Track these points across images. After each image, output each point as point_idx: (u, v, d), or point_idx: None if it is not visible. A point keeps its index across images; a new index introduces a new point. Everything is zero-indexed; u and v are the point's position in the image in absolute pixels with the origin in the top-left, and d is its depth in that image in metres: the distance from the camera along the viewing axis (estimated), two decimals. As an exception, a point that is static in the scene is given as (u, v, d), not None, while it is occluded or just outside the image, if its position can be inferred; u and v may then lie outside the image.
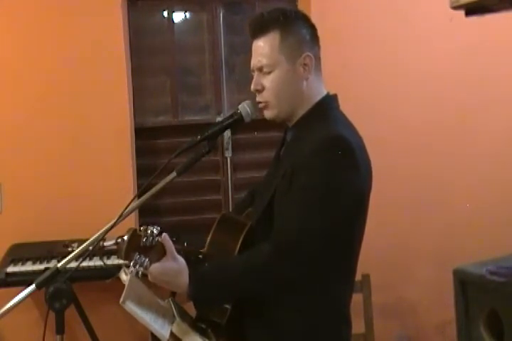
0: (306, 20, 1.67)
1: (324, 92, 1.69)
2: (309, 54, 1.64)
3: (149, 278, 1.52)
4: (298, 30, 1.64)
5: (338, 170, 1.55)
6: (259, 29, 1.64)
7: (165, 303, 1.67)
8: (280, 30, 1.62)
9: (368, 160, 1.65)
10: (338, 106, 1.71)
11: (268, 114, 1.68)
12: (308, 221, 1.53)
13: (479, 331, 2.38)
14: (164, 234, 1.50)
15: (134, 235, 1.48)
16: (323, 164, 1.54)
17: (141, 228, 1.48)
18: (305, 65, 1.64)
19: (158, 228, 1.49)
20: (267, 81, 1.64)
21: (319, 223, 1.53)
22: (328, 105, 1.68)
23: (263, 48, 1.63)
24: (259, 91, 1.66)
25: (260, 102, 1.67)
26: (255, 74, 1.66)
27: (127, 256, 1.47)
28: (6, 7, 2.81)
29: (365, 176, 1.63)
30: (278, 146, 1.78)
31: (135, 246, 1.47)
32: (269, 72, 1.63)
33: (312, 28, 1.68)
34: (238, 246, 1.62)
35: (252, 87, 1.67)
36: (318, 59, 1.67)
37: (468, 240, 3.12)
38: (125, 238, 1.48)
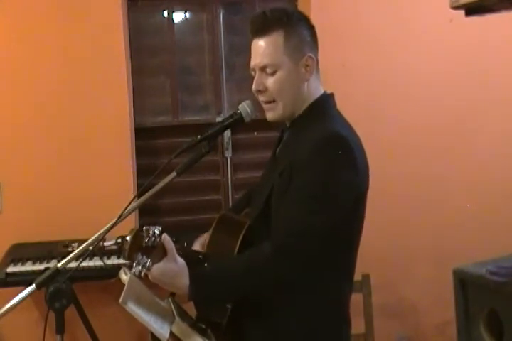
0: (307, 21, 1.68)
1: (321, 91, 1.70)
2: (311, 55, 1.64)
3: (150, 278, 1.53)
4: (300, 31, 1.64)
5: (337, 169, 1.55)
6: (263, 28, 1.62)
7: (164, 303, 1.67)
8: (284, 31, 1.61)
9: (365, 159, 1.65)
10: (334, 105, 1.71)
11: (272, 115, 1.67)
12: (307, 220, 1.53)
13: (479, 331, 2.38)
14: (164, 235, 1.50)
15: (137, 236, 1.48)
16: (322, 163, 1.54)
17: (143, 228, 1.48)
18: (307, 65, 1.64)
19: (160, 228, 1.49)
20: (270, 82, 1.62)
21: (318, 222, 1.53)
22: (325, 104, 1.68)
23: (266, 48, 1.62)
24: (261, 91, 1.65)
25: (264, 102, 1.66)
26: (256, 74, 1.65)
27: (130, 257, 1.47)
28: (6, 7, 2.81)
29: (363, 175, 1.64)
30: (274, 145, 1.78)
31: (138, 247, 1.47)
32: (273, 73, 1.62)
33: (312, 29, 1.68)
34: (237, 245, 1.62)
35: (254, 87, 1.65)
36: (317, 59, 1.68)
37: (468, 240, 3.12)
38: (128, 239, 1.48)
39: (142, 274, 1.48)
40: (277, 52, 1.61)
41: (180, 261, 1.54)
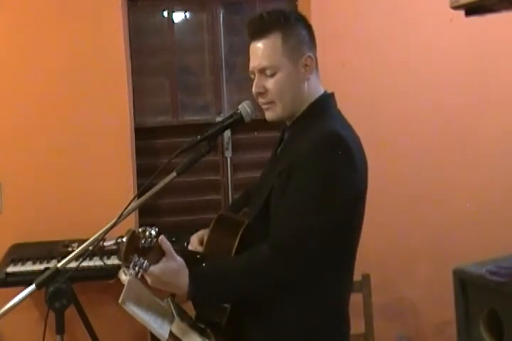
0: (304, 21, 1.68)
1: (322, 91, 1.70)
2: (310, 55, 1.65)
3: (148, 281, 1.52)
4: (298, 31, 1.64)
5: (336, 169, 1.55)
6: (260, 31, 1.63)
7: (164, 303, 1.67)
8: (281, 32, 1.62)
9: (364, 159, 1.65)
10: (335, 105, 1.71)
11: (271, 115, 1.67)
12: (306, 220, 1.53)
13: (479, 331, 2.37)
14: (162, 236, 1.50)
15: (133, 237, 1.48)
16: (321, 163, 1.54)
17: (140, 229, 1.48)
18: (306, 65, 1.64)
19: (156, 229, 1.48)
20: (270, 83, 1.63)
21: (317, 222, 1.53)
22: (325, 103, 1.69)
23: (264, 50, 1.62)
24: (262, 94, 1.65)
25: (264, 104, 1.66)
26: (256, 77, 1.65)
27: (126, 259, 1.47)
28: (6, 7, 2.81)
29: (362, 174, 1.64)
30: (275, 145, 1.78)
31: (134, 248, 1.47)
32: (272, 74, 1.62)
33: (310, 29, 1.68)
34: (236, 244, 1.61)
35: (254, 89, 1.65)
36: (316, 59, 1.68)
37: (469, 240, 3.12)
38: (124, 240, 1.48)
39: (139, 275, 1.47)
40: (276, 53, 1.61)
41: (180, 259, 1.54)
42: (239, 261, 1.59)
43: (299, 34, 1.64)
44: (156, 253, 1.50)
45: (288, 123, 1.71)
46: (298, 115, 1.67)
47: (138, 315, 1.53)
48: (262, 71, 1.63)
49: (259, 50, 1.63)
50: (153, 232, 1.47)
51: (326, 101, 1.69)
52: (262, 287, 1.58)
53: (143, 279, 1.55)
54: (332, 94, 1.72)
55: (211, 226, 1.68)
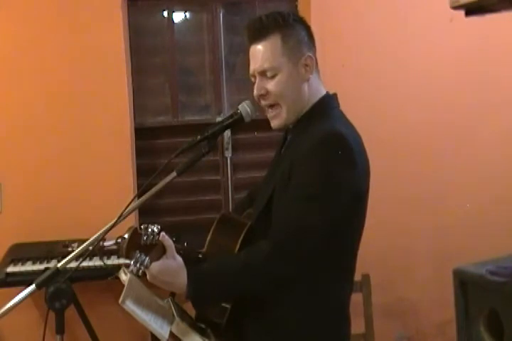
0: (303, 22, 1.68)
1: (324, 92, 1.70)
2: (310, 55, 1.65)
3: (148, 277, 1.52)
4: (297, 32, 1.65)
5: (336, 169, 1.55)
6: (259, 33, 1.63)
7: (164, 303, 1.67)
8: (281, 33, 1.62)
9: (366, 159, 1.66)
10: (337, 106, 1.71)
11: (277, 122, 1.66)
12: (306, 219, 1.53)
13: (479, 331, 2.37)
14: (163, 234, 1.50)
15: (135, 233, 1.48)
16: (321, 162, 1.54)
17: (142, 226, 1.48)
18: (306, 65, 1.64)
19: (159, 227, 1.49)
20: (271, 85, 1.63)
21: (318, 221, 1.53)
22: (327, 104, 1.69)
23: (264, 52, 1.62)
24: (264, 96, 1.65)
25: (268, 106, 1.65)
26: (257, 79, 1.65)
27: (128, 254, 1.47)
28: (6, 6, 2.81)
29: (363, 174, 1.64)
30: (279, 146, 1.78)
31: (135, 245, 1.47)
32: (273, 76, 1.62)
33: (309, 29, 1.69)
34: (238, 246, 1.62)
35: (256, 92, 1.65)
36: (316, 59, 1.68)
37: (468, 240, 3.13)
38: (126, 236, 1.48)
39: (140, 272, 1.47)
40: (276, 55, 1.61)
41: (179, 259, 1.54)
42: (238, 259, 1.58)
43: (298, 34, 1.64)
44: (157, 251, 1.50)
45: (291, 125, 1.71)
46: (300, 116, 1.67)
47: (138, 314, 1.53)
48: (263, 73, 1.63)
49: (259, 53, 1.63)
50: (155, 229, 1.47)
51: (328, 102, 1.69)
52: (261, 285, 1.58)
53: (143, 279, 1.55)
54: (335, 95, 1.72)
55: (213, 226, 1.68)
